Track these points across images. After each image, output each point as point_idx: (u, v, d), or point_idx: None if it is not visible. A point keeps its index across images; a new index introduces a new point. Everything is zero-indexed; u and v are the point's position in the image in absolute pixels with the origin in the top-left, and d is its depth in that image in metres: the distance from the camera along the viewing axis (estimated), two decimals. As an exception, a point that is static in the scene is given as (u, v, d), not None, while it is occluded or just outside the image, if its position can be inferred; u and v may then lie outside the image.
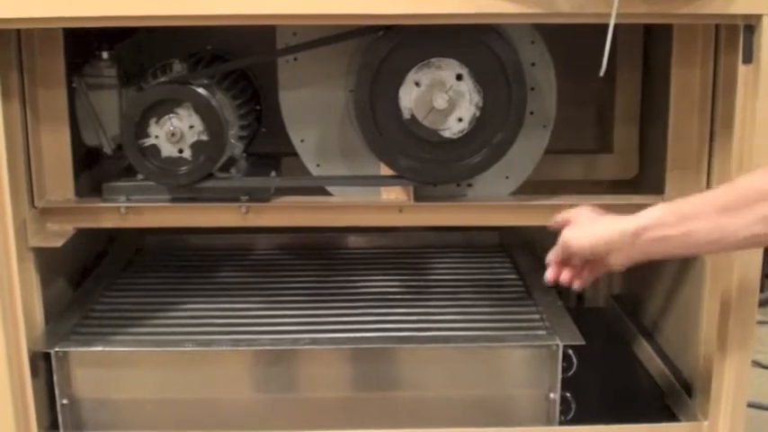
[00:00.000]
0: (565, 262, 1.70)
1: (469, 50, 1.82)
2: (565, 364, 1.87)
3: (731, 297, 1.79)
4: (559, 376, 1.87)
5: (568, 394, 1.89)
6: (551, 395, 1.88)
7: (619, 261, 1.59)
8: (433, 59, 1.83)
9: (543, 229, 2.12)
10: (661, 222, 1.51)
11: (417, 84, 1.84)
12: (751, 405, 1.98)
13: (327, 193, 2.00)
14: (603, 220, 1.63)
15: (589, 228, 1.63)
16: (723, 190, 1.51)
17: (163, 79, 1.89)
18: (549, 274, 1.72)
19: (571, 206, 1.93)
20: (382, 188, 1.98)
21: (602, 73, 1.63)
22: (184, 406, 1.91)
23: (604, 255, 1.59)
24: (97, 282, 2.23)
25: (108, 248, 2.45)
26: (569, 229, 1.66)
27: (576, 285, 1.72)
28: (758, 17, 1.65)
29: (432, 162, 1.88)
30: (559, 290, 2.21)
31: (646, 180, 2.15)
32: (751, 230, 1.44)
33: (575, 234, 1.64)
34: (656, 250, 1.54)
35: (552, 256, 1.72)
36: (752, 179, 1.49)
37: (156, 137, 1.88)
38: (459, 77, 1.84)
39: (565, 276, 1.71)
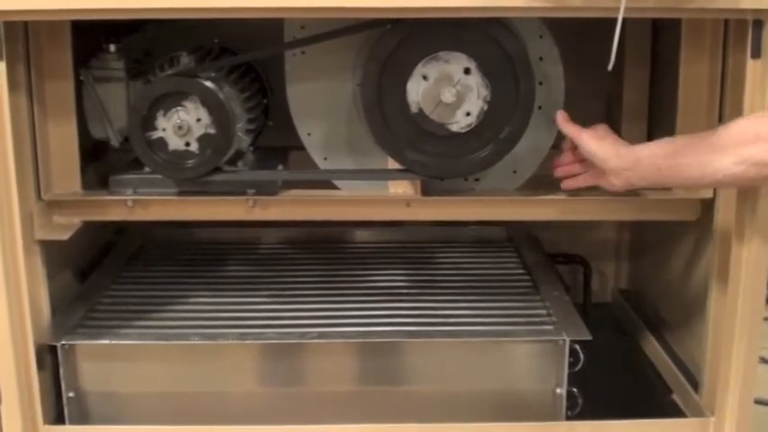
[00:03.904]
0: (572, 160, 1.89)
1: (478, 44, 1.82)
2: (571, 359, 1.87)
3: (738, 293, 1.79)
4: (566, 371, 1.87)
5: (575, 389, 1.89)
6: (558, 390, 1.88)
7: (617, 182, 1.77)
8: (440, 53, 1.82)
9: (550, 224, 2.13)
10: (654, 152, 1.71)
11: (425, 77, 1.84)
12: (758, 402, 1.97)
13: (335, 187, 1.99)
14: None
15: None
16: (717, 130, 1.64)
17: (170, 72, 1.89)
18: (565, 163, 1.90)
19: (576, 200, 1.95)
20: (390, 182, 1.98)
21: (610, 68, 1.63)
22: (191, 399, 1.91)
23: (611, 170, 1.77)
24: (103, 275, 2.23)
25: (114, 241, 2.45)
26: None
27: (578, 183, 1.90)
28: (767, 12, 1.65)
29: (439, 156, 1.88)
30: (566, 285, 2.22)
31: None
32: (732, 170, 1.59)
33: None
34: (652, 177, 1.73)
35: (569, 158, 1.89)
36: (741, 123, 1.62)
37: (164, 130, 1.87)
38: (467, 71, 1.83)
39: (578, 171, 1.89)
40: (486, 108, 1.84)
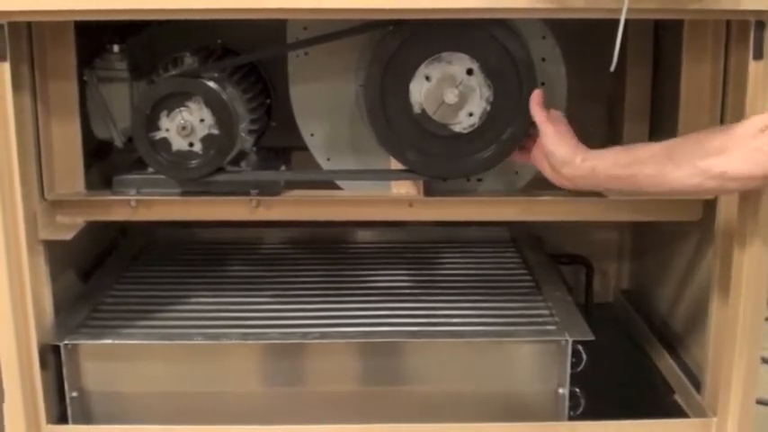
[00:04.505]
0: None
1: (480, 45, 1.82)
2: (574, 360, 1.87)
3: (740, 293, 1.79)
4: (568, 371, 1.88)
5: (577, 390, 1.90)
6: (560, 390, 1.89)
7: (567, 184, 1.76)
8: (443, 54, 1.82)
9: (552, 224, 2.13)
10: (615, 162, 1.69)
11: (428, 78, 1.84)
12: (760, 402, 1.97)
13: (337, 188, 2.00)
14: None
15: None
16: (675, 141, 1.67)
17: (173, 72, 1.89)
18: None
19: (579, 201, 1.95)
20: (392, 183, 1.99)
21: (612, 68, 1.63)
22: (193, 399, 1.91)
23: (564, 175, 1.75)
24: (107, 275, 2.24)
25: (118, 241, 2.45)
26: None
27: (526, 159, 1.88)
28: (769, 13, 1.65)
29: (442, 157, 1.88)
30: (568, 286, 2.22)
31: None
32: (690, 181, 1.60)
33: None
34: (608, 185, 1.76)
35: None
36: (699, 135, 1.63)
37: (167, 130, 1.88)
38: (469, 72, 1.84)
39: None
40: (488, 109, 1.84)
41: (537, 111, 1.80)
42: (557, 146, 1.75)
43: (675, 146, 1.64)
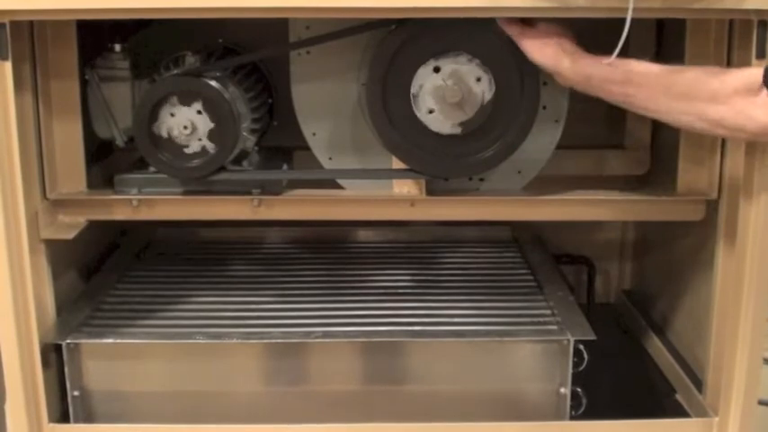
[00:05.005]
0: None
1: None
2: (576, 359, 1.87)
3: (742, 294, 1.79)
4: (570, 371, 1.88)
5: (579, 389, 1.89)
6: (562, 390, 1.89)
7: (564, 84, 1.77)
8: (412, 80, 1.82)
9: (554, 224, 2.13)
10: (608, 77, 1.68)
11: (431, 111, 1.84)
12: (761, 403, 1.97)
13: (339, 187, 2.00)
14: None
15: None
16: (675, 73, 1.66)
17: (175, 72, 1.89)
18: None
19: (581, 200, 1.95)
20: (394, 182, 1.98)
21: (615, 68, 1.63)
22: (195, 398, 1.91)
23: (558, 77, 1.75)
24: (108, 274, 2.24)
25: (119, 241, 2.45)
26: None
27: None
28: (772, 13, 1.65)
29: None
30: (570, 286, 2.22)
31: (657, 176, 2.15)
32: (680, 118, 1.66)
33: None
34: (598, 92, 1.71)
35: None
36: (703, 77, 1.64)
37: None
38: (436, 70, 1.83)
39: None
40: (488, 67, 1.83)
41: (508, 26, 1.78)
42: (537, 55, 1.75)
43: (674, 77, 1.65)
